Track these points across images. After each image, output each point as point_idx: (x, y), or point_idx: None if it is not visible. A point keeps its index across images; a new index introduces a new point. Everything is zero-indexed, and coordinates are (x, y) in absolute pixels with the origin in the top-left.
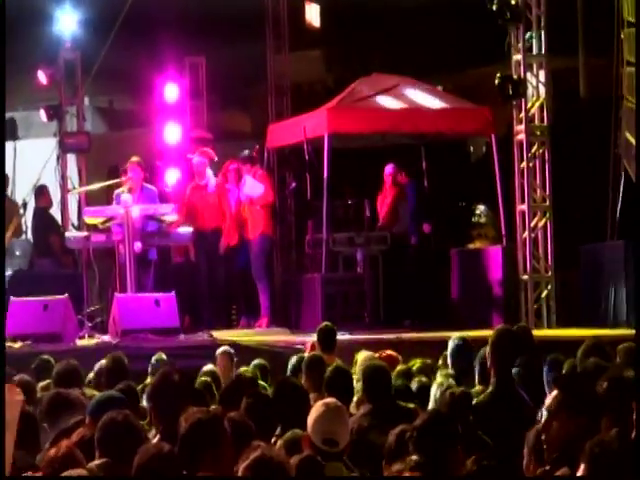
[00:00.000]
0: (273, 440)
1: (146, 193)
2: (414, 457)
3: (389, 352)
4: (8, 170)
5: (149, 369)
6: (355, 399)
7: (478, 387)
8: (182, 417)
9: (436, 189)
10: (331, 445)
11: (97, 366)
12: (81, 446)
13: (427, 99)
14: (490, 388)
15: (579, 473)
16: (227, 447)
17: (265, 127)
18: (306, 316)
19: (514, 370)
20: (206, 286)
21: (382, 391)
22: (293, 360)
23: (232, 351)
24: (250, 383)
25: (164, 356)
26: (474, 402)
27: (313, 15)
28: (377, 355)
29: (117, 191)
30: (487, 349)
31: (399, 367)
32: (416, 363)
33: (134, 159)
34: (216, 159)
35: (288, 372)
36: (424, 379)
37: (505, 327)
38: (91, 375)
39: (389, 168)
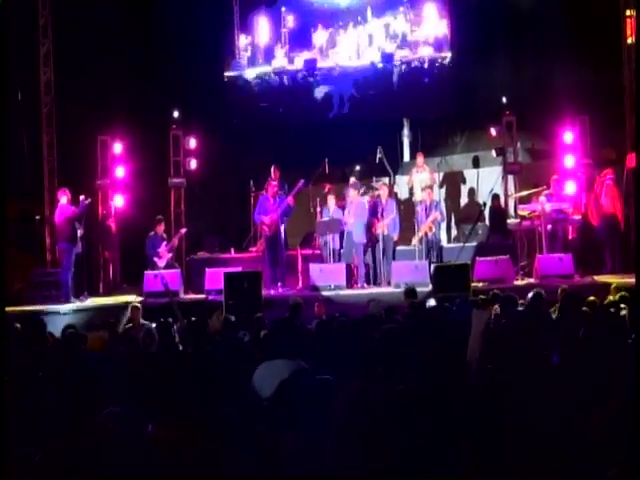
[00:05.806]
0: None
1: (558, 196)
2: None
3: None
4: (473, 186)
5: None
6: None
7: None
8: None
9: None
10: None
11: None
12: None
13: None
14: None
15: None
16: None
17: (624, 157)
18: None
19: None
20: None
21: None
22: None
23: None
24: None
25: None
26: None
27: None
28: None
29: (541, 195)
30: None
31: None
32: None
33: (554, 177)
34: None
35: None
36: None
37: None
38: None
39: None
